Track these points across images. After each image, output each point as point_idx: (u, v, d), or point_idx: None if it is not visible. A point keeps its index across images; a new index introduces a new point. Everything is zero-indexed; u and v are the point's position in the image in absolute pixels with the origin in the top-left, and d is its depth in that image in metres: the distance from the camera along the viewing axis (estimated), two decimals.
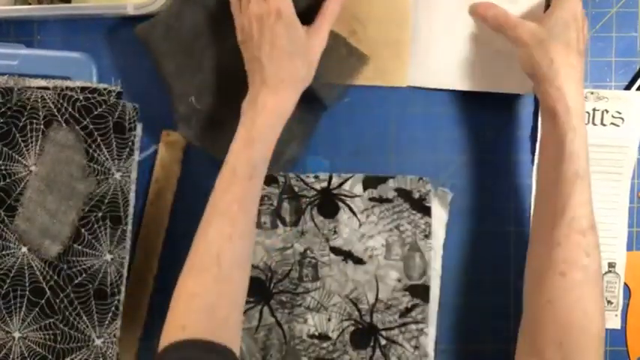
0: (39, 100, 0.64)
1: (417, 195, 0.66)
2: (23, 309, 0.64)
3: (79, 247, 0.64)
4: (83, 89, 0.65)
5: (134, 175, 0.65)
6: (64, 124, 0.64)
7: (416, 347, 0.65)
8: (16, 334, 0.64)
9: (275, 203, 0.67)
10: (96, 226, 0.64)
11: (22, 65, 0.67)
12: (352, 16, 0.64)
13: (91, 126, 0.64)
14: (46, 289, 0.64)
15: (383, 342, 0.65)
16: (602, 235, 0.65)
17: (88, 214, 0.64)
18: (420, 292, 0.65)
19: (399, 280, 0.65)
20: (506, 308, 0.67)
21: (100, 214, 0.64)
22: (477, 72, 0.65)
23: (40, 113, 0.64)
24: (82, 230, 0.64)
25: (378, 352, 0.65)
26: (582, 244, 0.52)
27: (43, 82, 0.65)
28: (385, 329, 0.66)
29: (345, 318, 0.66)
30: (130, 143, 0.65)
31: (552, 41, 0.56)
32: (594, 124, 0.65)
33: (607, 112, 0.65)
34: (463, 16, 0.64)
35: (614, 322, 0.66)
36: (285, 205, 0.67)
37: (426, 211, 0.65)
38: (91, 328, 0.64)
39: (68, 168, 0.64)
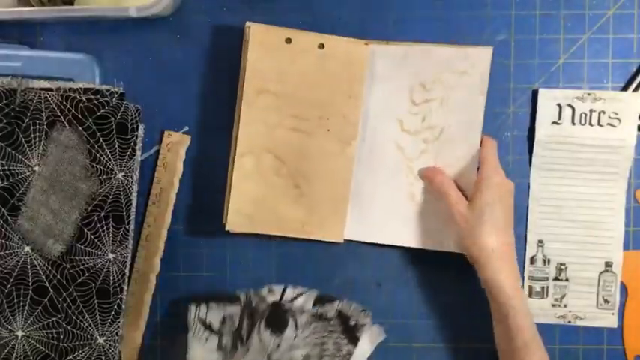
0: (42, 101, 0.64)
1: (352, 322, 0.66)
2: (26, 308, 0.65)
3: (82, 247, 0.64)
4: (86, 90, 0.65)
5: (136, 175, 0.66)
6: (67, 125, 0.64)
7: None
8: (20, 333, 0.65)
9: (236, 323, 0.66)
10: (99, 225, 0.65)
11: (25, 66, 0.67)
12: (297, 171, 0.65)
13: (94, 127, 0.64)
14: (49, 287, 0.65)
15: None
16: (599, 234, 0.66)
17: (91, 214, 0.64)
18: None
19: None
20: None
21: (102, 214, 0.64)
22: (415, 229, 0.66)
23: (44, 114, 0.64)
24: (85, 230, 0.64)
25: None
26: None
27: (46, 84, 0.65)
28: None
29: None
30: (132, 144, 0.65)
31: (480, 227, 0.60)
32: (591, 124, 0.66)
33: (604, 112, 0.65)
34: (402, 176, 0.66)
35: (611, 321, 0.67)
36: (245, 323, 0.66)
37: (353, 341, 0.66)
38: (93, 326, 0.64)
39: (71, 168, 0.64)
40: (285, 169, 0.65)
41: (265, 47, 0.64)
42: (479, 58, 0.64)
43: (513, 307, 0.58)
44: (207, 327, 0.66)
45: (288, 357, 0.66)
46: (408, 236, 0.67)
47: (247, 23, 0.65)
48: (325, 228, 0.66)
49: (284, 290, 0.67)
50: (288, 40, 0.64)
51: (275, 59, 0.64)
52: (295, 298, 0.67)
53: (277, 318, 0.66)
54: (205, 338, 0.66)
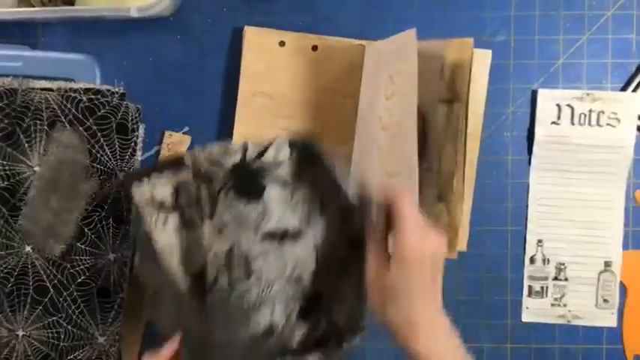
0: (43, 102, 0.64)
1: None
2: (27, 307, 0.65)
3: (83, 246, 0.64)
4: (86, 91, 0.65)
5: None
6: (67, 125, 0.65)
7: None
8: (20, 332, 0.65)
9: (193, 193, 0.51)
10: (99, 225, 0.65)
11: (26, 67, 0.67)
12: None
13: (95, 127, 0.65)
14: (50, 287, 0.65)
15: (325, 303, 0.53)
16: (598, 234, 0.66)
17: (92, 214, 0.65)
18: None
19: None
20: (503, 306, 0.67)
21: (103, 214, 0.65)
22: None
23: (44, 114, 0.64)
24: (86, 229, 0.64)
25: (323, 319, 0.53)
26: None
27: (46, 84, 0.65)
28: (328, 292, 0.53)
29: (290, 299, 0.52)
30: (132, 144, 0.65)
31: (389, 307, 0.49)
32: (590, 124, 0.66)
33: (603, 113, 0.65)
34: (380, 177, 0.61)
35: (610, 321, 0.67)
36: (203, 193, 0.51)
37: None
38: (94, 326, 0.65)
39: (72, 168, 0.65)
40: None
41: (259, 50, 0.65)
42: (407, 40, 0.59)
43: None
44: (160, 206, 0.52)
45: (299, 215, 0.52)
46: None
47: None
48: None
49: (245, 148, 0.52)
50: (282, 43, 0.65)
51: (269, 61, 0.65)
52: (262, 153, 0.51)
53: (248, 182, 0.51)
54: (162, 221, 0.51)
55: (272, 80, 0.65)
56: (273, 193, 0.51)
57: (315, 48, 0.65)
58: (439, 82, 0.63)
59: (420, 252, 0.48)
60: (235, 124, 0.66)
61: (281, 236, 0.52)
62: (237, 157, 0.51)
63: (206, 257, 0.50)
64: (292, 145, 0.52)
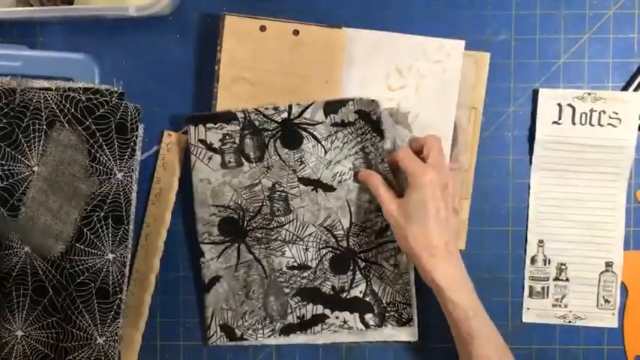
0: (42, 101, 0.64)
1: (374, 116, 0.65)
2: (26, 308, 0.65)
3: (82, 247, 0.64)
4: (85, 90, 0.65)
5: (136, 175, 0.66)
6: (66, 125, 0.64)
7: (395, 265, 0.65)
8: (19, 333, 0.65)
9: (237, 141, 0.66)
10: (98, 225, 0.64)
11: (24, 66, 0.67)
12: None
13: (94, 126, 0.64)
14: (49, 288, 0.65)
15: (362, 264, 0.66)
16: (599, 234, 0.66)
17: (91, 214, 0.64)
18: None
19: (370, 202, 0.65)
20: (504, 307, 0.67)
21: (102, 214, 0.64)
22: None
23: (43, 114, 0.64)
24: (85, 230, 0.64)
25: (358, 275, 0.66)
26: None
27: (45, 83, 0.65)
28: (362, 251, 0.66)
29: (322, 246, 0.66)
30: (131, 143, 0.65)
31: (409, 227, 0.59)
32: (591, 124, 0.65)
33: (604, 112, 0.65)
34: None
35: (611, 321, 0.67)
36: (248, 141, 0.66)
37: (382, 135, 0.65)
38: (93, 326, 0.64)
39: (71, 168, 0.64)
40: None
41: (239, 35, 0.66)
42: (453, 50, 0.65)
43: (453, 303, 0.58)
44: (208, 146, 0.66)
45: (331, 174, 0.65)
46: None
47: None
48: None
49: (290, 107, 0.65)
50: (263, 28, 0.66)
51: (250, 47, 0.66)
52: (302, 112, 0.65)
53: (291, 134, 0.65)
54: (208, 157, 0.66)
55: (253, 66, 0.66)
56: (309, 146, 0.66)
57: (296, 33, 0.66)
58: (469, 90, 0.66)
59: (432, 183, 0.58)
60: (216, 109, 0.66)
61: (315, 185, 0.66)
62: (284, 115, 0.65)
63: (232, 195, 0.66)
64: (326, 110, 0.65)
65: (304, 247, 0.66)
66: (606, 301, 0.67)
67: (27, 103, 0.64)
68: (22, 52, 0.68)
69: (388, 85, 0.66)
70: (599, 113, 0.65)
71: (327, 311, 0.66)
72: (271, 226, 0.66)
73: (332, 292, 0.66)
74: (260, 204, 0.66)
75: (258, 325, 0.66)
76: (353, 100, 0.65)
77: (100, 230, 0.64)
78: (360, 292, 0.66)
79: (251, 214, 0.66)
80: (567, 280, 0.67)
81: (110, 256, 0.65)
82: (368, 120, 0.65)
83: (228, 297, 0.66)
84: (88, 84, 0.66)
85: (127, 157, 0.65)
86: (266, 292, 0.66)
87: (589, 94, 0.66)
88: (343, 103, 0.65)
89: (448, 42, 0.65)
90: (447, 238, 0.59)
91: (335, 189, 0.66)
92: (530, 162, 0.67)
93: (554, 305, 0.67)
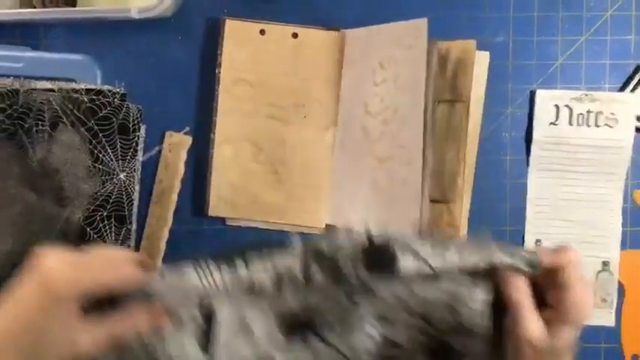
0: (45, 102, 0.65)
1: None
2: None
3: (84, 247, 0.65)
4: (88, 91, 0.66)
5: (138, 175, 0.66)
6: (69, 126, 0.65)
7: None
8: None
9: (299, 277, 0.44)
10: (101, 225, 0.65)
11: (27, 68, 0.67)
12: (275, 158, 0.67)
13: (96, 127, 0.65)
14: None
15: None
16: (596, 234, 0.67)
17: (93, 214, 0.65)
18: None
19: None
20: None
21: (105, 214, 0.65)
22: (377, 217, 0.65)
23: (46, 115, 0.65)
24: (88, 229, 0.65)
25: None
26: None
27: (48, 85, 0.66)
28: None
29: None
30: (134, 144, 0.66)
31: None
32: (588, 125, 0.66)
33: (601, 113, 0.66)
34: (367, 160, 0.66)
35: (608, 320, 0.67)
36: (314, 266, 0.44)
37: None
38: None
39: (74, 169, 0.65)
40: (263, 155, 0.67)
41: (240, 39, 0.66)
42: (417, 30, 0.64)
43: None
44: (251, 289, 0.44)
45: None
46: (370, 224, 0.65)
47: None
48: (305, 214, 0.67)
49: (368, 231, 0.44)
50: (262, 32, 0.67)
51: (250, 50, 0.67)
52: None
53: (378, 255, 0.43)
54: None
55: (253, 68, 0.67)
56: (407, 264, 0.43)
57: (295, 35, 0.66)
58: (440, 82, 0.64)
59: (585, 314, 0.42)
60: (218, 114, 0.67)
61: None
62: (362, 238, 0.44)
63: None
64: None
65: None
66: (603, 300, 0.67)
67: (30, 104, 0.65)
68: (25, 53, 0.68)
69: (374, 80, 0.66)
70: (596, 114, 0.66)
71: None
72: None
73: None
74: None
75: None
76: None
77: (102, 230, 0.65)
78: None
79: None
80: None
81: None
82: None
83: None
84: (91, 85, 0.66)
85: (129, 157, 0.66)
86: None
87: (586, 95, 0.66)
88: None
89: (412, 22, 0.64)
90: None
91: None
92: (528, 162, 0.67)
93: None
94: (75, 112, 0.65)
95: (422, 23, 0.64)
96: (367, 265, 0.43)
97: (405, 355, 0.46)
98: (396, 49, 0.65)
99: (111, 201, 0.65)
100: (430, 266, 0.42)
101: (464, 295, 0.45)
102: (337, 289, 0.44)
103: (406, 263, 0.42)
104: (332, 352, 0.45)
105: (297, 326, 0.46)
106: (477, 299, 0.45)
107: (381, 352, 0.46)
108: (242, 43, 0.67)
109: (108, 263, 0.43)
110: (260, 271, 0.43)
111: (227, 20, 0.67)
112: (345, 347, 0.46)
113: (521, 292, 0.43)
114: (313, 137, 0.67)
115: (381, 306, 0.45)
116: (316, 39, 0.66)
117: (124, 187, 0.65)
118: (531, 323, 0.42)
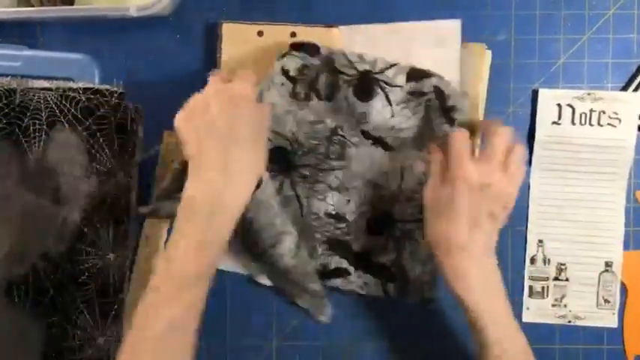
0: (42, 101, 0.64)
1: (450, 103, 0.63)
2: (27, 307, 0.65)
3: (82, 247, 0.64)
4: (85, 90, 0.65)
5: (136, 175, 0.66)
6: (66, 125, 0.64)
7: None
8: None
9: (313, 75, 0.64)
10: (99, 225, 0.65)
11: (24, 66, 0.67)
12: None
13: (94, 127, 0.65)
14: (50, 287, 0.65)
15: (398, 233, 0.64)
16: (599, 234, 0.66)
17: (91, 214, 0.64)
18: None
19: (425, 175, 0.63)
20: None
21: (102, 214, 0.65)
22: None
23: (43, 114, 0.64)
24: (85, 230, 0.64)
25: (391, 243, 0.65)
26: None
27: (45, 84, 0.65)
28: (402, 221, 0.64)
29: (364, 202, 0.65)
30: (132, 144, 0.65)
31: (432, 218, 0.56)
32: (591, 124, 0.66)
33: (604, 112, 0.65)
34: None
35: (611, 321, 0.67)
36: (323, 78, 0.64)
37: (451, 122, 0.63)
38: (93, 326, 0.64)
39: (71, 168, 0.64)
40: None
41: (237, 42, 0.66)
42: (448, 31, 0.65)
43: (466, 306, 0.55)
44: (285, 73, 0.64)
45: (391, 135, 0.64)
46: None
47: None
48: None
49: (375, 60, 0.64)
50: (260, 33, 0.66)
51: (248, 51, 0.66)
52: (385, 69, 0.64)
53: (366, 87, 0.63)
54: (281, 83, 0.64)
55: (252, 67, 0.66)
56: (378, 105, 0.64)
57: (293, 34, 0.66)
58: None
59: (472, 178, 0.54)
60: None
61: (376, 140, 0.64)
62: (367, 66, 0.64)
63: (293, 126, 0.64)
64: (409, 75, 0.64)
65: (347, 199, 0.65)
66: (606, 301, 0.67)
67: (27, 103, 0.64)
68: (22, 52, 0.68)
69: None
70: (599, 113, 0.65)
71: (351, 269, 0.65)
72: (322, 167, 0.64)
73: (361, 252, 0.65)
74: (317, 142, 0.64)
75: None
76: (438, 77, 0.63)
77: (100, 230, 0.65)
78: (389, 260, 0.65)
79: (305, 149, 0.65)
80: (567, 279, 0.67)
81: (111, 255, 0.65)
82: (440, 99, 0.63)
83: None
84: (88, 84, 0.66)
85: (127, 157, 0.65)
86: (298, 231, 0.64)
87: (588, 94, 0.66)
88: (427, 75, 0.63)
89: (443, 23, 0.65)
90: (468, 239, 0.54)
91: (394, 149, 0.64)
92: (530, 162, 0.67)
93: (553, 305, 0.67)
94: (72, 111, 0.64)
95: (455, 24, 0.65)
96: (356, 87, 0.63)
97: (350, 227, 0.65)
98: (414, 48, 0.65)
99: (109, 201, 0.65)
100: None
101: (410, 164, 0.64)
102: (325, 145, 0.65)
103: (378, 104, 0.63)
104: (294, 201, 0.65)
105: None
106: (419, 168, 0.63)
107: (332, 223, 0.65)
108: (240, 45, 0.66)
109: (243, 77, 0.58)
110: (294, 58, 0.64)
111: (224, 24, 0.66)
112: (305, 201, 0.65)
113: (462, 143, 0.55)
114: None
115: (347, 175, 0.64)
116: (314, 37, 0.66)
117: (122, 186, 0.65)
118: (469, 165, 0.54)
